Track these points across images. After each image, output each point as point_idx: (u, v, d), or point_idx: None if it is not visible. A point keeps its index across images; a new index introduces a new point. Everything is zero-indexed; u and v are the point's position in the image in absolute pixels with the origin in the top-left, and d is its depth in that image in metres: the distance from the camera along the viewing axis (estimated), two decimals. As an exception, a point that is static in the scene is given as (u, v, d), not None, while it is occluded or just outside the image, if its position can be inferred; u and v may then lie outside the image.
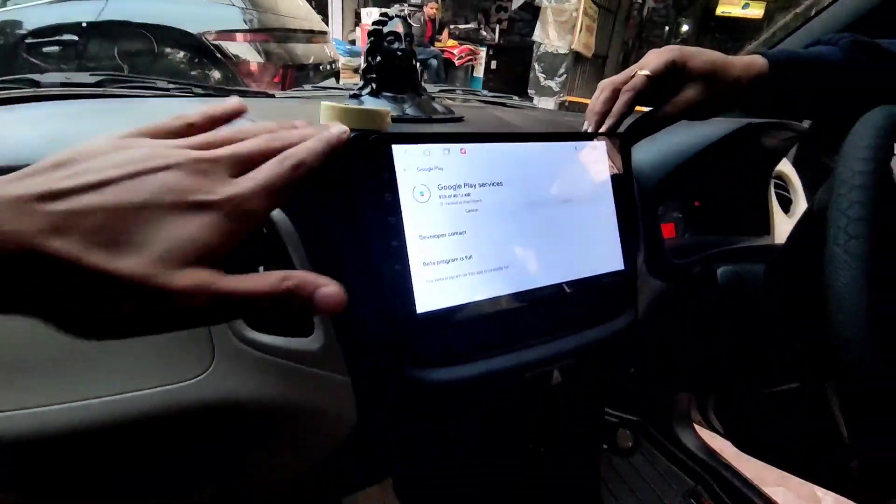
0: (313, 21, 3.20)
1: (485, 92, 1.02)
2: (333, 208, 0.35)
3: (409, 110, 0.56)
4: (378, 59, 0.56)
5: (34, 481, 0.30)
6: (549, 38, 5.56)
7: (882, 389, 0.38)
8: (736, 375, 1.07)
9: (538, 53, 5.91)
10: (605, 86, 0.47)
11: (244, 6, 2.28)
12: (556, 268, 0.41)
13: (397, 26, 0.55)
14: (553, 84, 5.81)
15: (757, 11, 8.09)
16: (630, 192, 0.51)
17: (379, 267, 0.33)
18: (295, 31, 2.71)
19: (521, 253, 0.39)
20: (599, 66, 7.11)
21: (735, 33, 8.21)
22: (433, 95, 0.63)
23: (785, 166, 0.80)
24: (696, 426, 1.20)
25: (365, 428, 0.36)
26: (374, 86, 0.57)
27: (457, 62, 6.69)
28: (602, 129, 0.46)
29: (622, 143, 0.48)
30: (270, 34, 2.43)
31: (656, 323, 0.59)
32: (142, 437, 0.31)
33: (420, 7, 6.48)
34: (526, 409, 0.45)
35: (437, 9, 6.48)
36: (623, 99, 0.44)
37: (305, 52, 2.73)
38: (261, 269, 0.35)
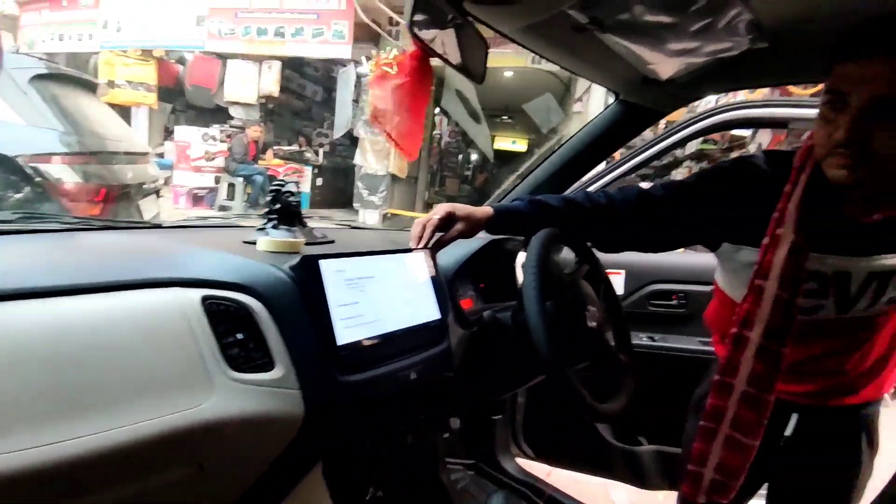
0: (134, 142, 3.21)
1: (335, 220, 1.38)
2: (293, 296, 0.64)
3: (301, 236, 0.87)
4: (278, 206, 0.87)
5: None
6: (368, 162, 6.45)
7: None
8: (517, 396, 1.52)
9: (360, 174, 6.73)
10: (418, 223, 0.87)
11: (63, 130, 2.27)
12: (406, 317, 0.76)
13: (292, 188, 0.87)
14: (375, 199, 6.62)
15: (522, 146, 10.95)
16: (438, 277, 0.90)
17: (319, 322, 0.62)
18: (115, 152, 2.71)
19: (387, 311, 0.73)
20: (413, 184, 8.40)
21: (507, 160, 10.89)
22: (311, 227, 0.95)
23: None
24: (515, 456, 1.58)
25: (308, 423, 0.61)
26: (275, 223, 0.87)
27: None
28: (419, 246, 0.85)
29: (431, 253, 0.88)
30: (90, 156, 2.42)
31: (463, 356, 0.97)
32: (174, 446, 0.51)
33: (242, 129, 6.80)
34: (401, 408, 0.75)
35: (259, 131, 6.89)
36: (427, 231, 0.85)
37: (126, 172, 2.73)
38: (238, 336, 0.61)
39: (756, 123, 1.47)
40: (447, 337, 0.85)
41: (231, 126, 7.00)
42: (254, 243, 0.80)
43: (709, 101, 2.18)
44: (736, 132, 5.39)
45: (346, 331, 0.66)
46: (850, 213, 0.73)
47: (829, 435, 0.87)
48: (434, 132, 8.71)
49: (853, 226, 0.73)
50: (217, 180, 6.80)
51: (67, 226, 0.86)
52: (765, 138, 4.66)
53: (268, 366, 0.61)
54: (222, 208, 6.77)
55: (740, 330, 0.80)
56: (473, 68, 0.74)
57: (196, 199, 6.70)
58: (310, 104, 8.74)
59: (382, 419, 0.74)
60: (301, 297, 0.64)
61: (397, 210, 7.23)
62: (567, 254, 1.10)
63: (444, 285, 0.94)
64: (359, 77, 6.24)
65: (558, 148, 1.26)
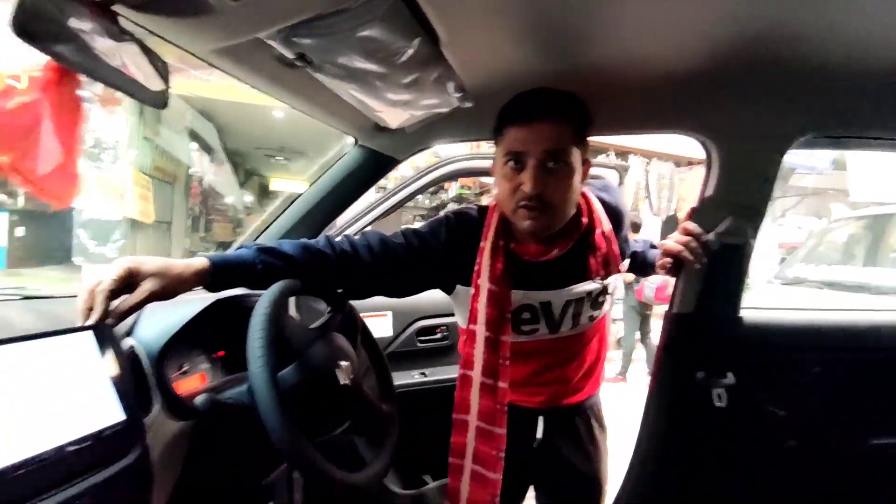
0: None
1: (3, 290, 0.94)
2: None
3: None
4: None
5: None
6: (92, 203, 5.12)
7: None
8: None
9: (81, 220, 5.27)
10: (84, 290, 0.63)
11: None
12: (60, 431, 0.53)
13: None
14: (107, 250, 5.26)
15: (302, 185, 10.53)
16: (130, 361, 0.67)
17: None
18: None
19: (22, 428, 0.49)
20: (165, 230, 7.05)
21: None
22: None
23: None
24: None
25: None
26: None
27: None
28: (89, 322, 0.61)
29: (106, 331, 0.64)
30: None
31: (189, 455, 0.75)
32: None
33: None
34: None
35: None
36: (98, 301, 0.62)
37: None
38: None
39: (481, 172, 1.72)
40: (139, 443, 0.62)
41: None
42: None
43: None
44: (484, 179, 6.44)
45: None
46: (531, 254, 0.86)
47: (569, 428, 1.02)
48: (192, 170, 7.56)
49: (539, 264, 0.87)
50: None
51: None
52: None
53: None
54: None
55: (464, 370, 0.88)
56: (144, 92, 0.57)
57: None
58: (-3, 129, 6.51)
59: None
60: None
61: (144, 262, 5.92)
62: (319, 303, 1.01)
63: (146, 369, 0.71)
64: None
65: (299, 195, 1.17)
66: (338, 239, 0.87)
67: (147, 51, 0.56)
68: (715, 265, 0.93)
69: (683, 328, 0.99)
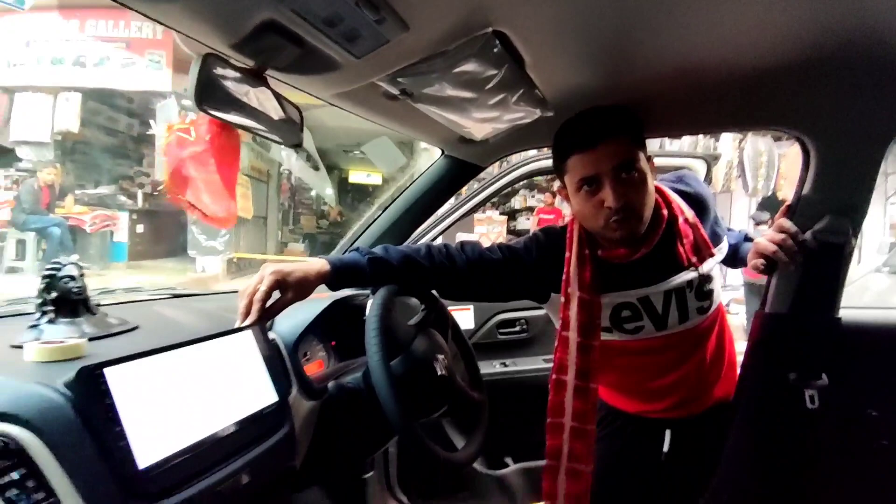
0: None
1: (145, 288, 1.18)
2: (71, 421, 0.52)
3: (88, 329, 0.72)
4: (53, 294, 0.71)
5: None
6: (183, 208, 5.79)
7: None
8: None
9: (194, 217, 5.99)
10: (243, 296, 0.78)
11: None
12: (232, 411, 0.68)
13: (72, 270, 0.72)
14: (216, 244, 5.94)
15: (377, 178, 11.08)
16: (274, 352, 0.83)
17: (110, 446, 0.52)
18: None
19: (206, 409, 0.64)
20: (262, 224, 7.79)
21: (363, 193, 10.91)
22: (104, 312, 0.79)
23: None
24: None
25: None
26: (51, 316, 0.70)
27: (88, 229, 5.90)
28: (247, 323, 0.77)
29: (262, 328, 0.80)
30: None
31: (316, 429, 0.90)
32: None
33: (32, 172, 5.53)
34: None
35: (55, 174, 5.68)
36: (255, 307, 0.76)
37: None
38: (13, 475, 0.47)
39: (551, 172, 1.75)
40: (288, 420, 0.77)
41: (18, 170, 5.66)
42: (19, 348, 0.63)
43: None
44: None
45: (150, 449, 0.55)
46: (621, 256, 0.89)
47: (698, 441, 1.02)
48: (283, 168, 8.25)
49: (630, 264, 0.89)
50: (2, 237, 5.40)
51: None
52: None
53: (53, 506, 0.48)
54: (11, 270, 5.38)
55: (557, 375, 0.93)
56: (287, 135, 0.71)
57: (-26, 263, 5.19)
58: (124, 139, 7.52)
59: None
60: (83, 420, 0.52)
61: (245, 254, 6.60)
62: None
63: (285, 357, 0.87)
64: (184, 109, 5.62)
65: (393, 201, 1.30)
66: (437, 246, 0.96)
67: (286, 101, 0.70)
68: (812, 265, 0.90)
69: (776, 328, 0.97)
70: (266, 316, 0.79)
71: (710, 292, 0.94)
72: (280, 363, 0.84)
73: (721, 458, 1.06)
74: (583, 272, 0.90)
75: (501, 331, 1.69)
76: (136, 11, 0.52)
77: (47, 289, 0.71)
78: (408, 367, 0.90)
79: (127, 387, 0.56)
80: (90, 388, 0.53)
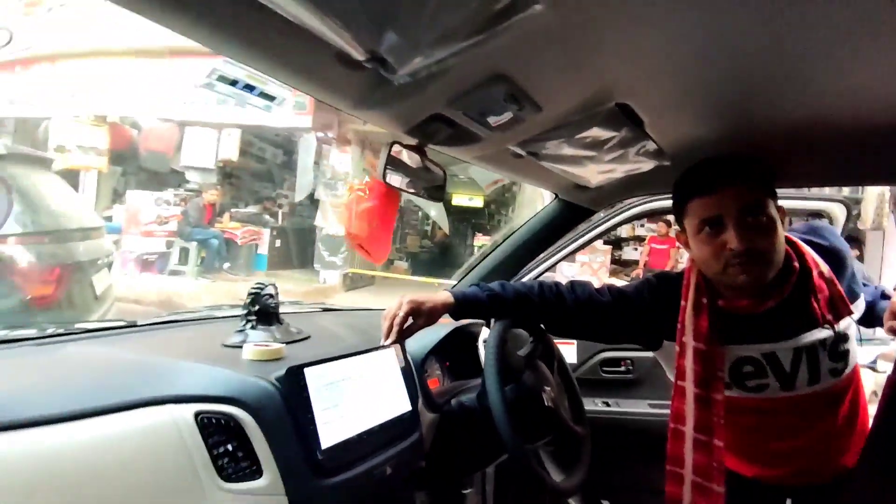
0: (88, 218, 3.16)
1: (310, 304, 1.44)
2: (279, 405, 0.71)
3: (279, 335, 0.94)
4: (257, 307, 0.94)
5: None
6: (329, 223, 6.53)
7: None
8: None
9: (321, 235, 6.77)
10: (386, 318, 0.94)
11: (18, 209, 2.24)
12: (381, 413, 0.85)
13: (271, 290, 0.96)
14: (336, 260, 6.64)
15: (478, 202, 11.46)
16: (408, 368, 0.99)
17: (304, 428, 0.70)
18: (69, 229, 2.68)
19: (364, 408, 0.82)
20: (373, 242, 8.51)
21: (467, 214, 11.31)
22: (287, 323, 1.02)
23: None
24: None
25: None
26: (253, 323, 0.94)
27: (239, 241, 6.98)
28: (389, 342, 0.94)
29: (401, 346, 0.97)
30: (45, 235, 2.38)
31: (434, 439, 1.04)
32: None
33: (199, 192, 6.75)
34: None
35: (217, 194, 6.87)
36: (395, 329, 0.91)
37: (79, 248, 2.69)
38: (228, 446, 0.67)
39: (661, 212, 1.74)
40: (418, 426, 0.92)
41: (186, 190, 6.94)
42: (235, 347, 0.86)
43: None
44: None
45: (329, 434, 0.73)
46: (745, 307, 0.87)
47: None
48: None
49: (757, 315, 0.87)
50: (168, 245, 6.62)
51: (48, 335, 0.89)
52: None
53: (255, 474, 0.67)
54: (173, 273, 6.55)
55: (675, 424, 0.92)
56: (434, 194, 0.88)
57: (145, 265, 6.46)
58: (270, 166, 8.83)
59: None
60: (286, 406, 0.71)
61: (358, 269, 7.25)
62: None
63: (415, 373, 1.03)
64: (319, 142, 6.46)
65: (507, 238, 1.42)
66: (549, 284, 1.03)
67: (435, 165, 0.86)
68: None
69: None
70: (402, 337, 0.95)
71: (846, 353, 0.88)
72: (411, 378, 0.99)
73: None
74: (699, 321, 0.88)
75: (605, 369, 1.69)
76: (338, 109, 0.72)
77: (252, 302, 0.94)
78: (519, 395, 1.00)
79: (317, 384, 0.75)
80: (294, 383, 0.72)
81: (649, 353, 1.66)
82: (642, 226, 7.94)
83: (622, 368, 1.69)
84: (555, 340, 1.19)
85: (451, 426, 1.06)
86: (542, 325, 1.10)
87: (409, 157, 0.81)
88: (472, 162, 0.97)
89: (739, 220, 0.80)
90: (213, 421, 0.67)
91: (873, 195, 5.35)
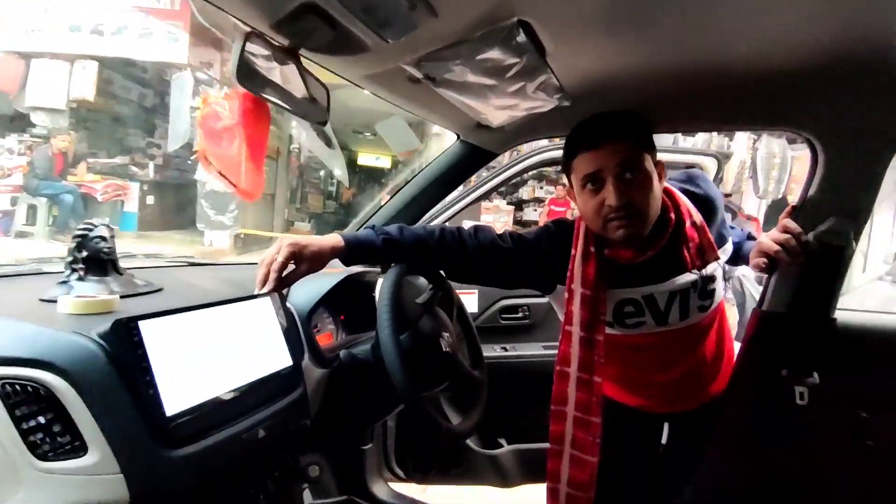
0: None
1: (165, 256, 1.22)
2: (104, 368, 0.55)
3: (116, 288, 0.76)
4: (84, 253, 0.75)
5: None
6: (213, 177, 5.83)
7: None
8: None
9: (203, 191, 6.04)
10: (262, 264, 0.82)
11: None
12: (251, 370, 0.72)
13: (104, 231, 0.76)
14: (224, 219, 6.00)
15: (386, 162, 11.10)
16: (290, 319, 0.87)
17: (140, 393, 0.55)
18: None
19: (228, 366, 0.68)
20: (270, 201, 7.83)
21: (372, 176, 10.92)
22: (130, 273, 0.83)
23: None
24: (388, 481, 1.59)
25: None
26: (81, 274, 0.74)
27: (100, 198, 5.97)
28: (265, 290, 0.81)
29: (280, 297, 0.84)
30: None
31: (324, 396, 0.95)
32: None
33: (46, 139, 5.58)
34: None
35: (69, 141, 5.72)
36: (273, 276, 0.80)
37: None
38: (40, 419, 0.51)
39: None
40: (300, 383, 0.82)
41: (32, 136, 5.70)
42: (53, 301, 0.67)
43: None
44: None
45: (177, 398, 0.60)
46: (627, 258, 0.92)
47: (696, 434, 1.05)
48: (292, 146, 8.26)
49: (637, 265, 0.92)
50: (13, 202, 5.47)
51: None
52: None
53: (80, 450, 0.52)
54: (20, 234, 5.46)
55: (561, 367, 0.96)
56: (313, 112, 0.74)
57: (-15, 225, 5.27)
58: (137, 110, 7.54)
59: (227, 489, 0.68)
60: (116, 368, 0.56)
61: (252, 230, 6.66)
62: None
63: (299, 326, 0.91)
64: (198, 83, 5.62)
65: (407, 183, 1.33)
66: (451, 229, 0.98)
67: (315, 80, 0.72)
68: (812, 265, 0.93)
69: (772, 326, 1.01)
70: (281, 285, 0.83)
71: (713, 292, 0.97)
72: (294, 331, 0.88)
73: (710, 449, 1.10)
74: (586, 269, 0.93)
75: (504, 316, 1.73)
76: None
77: (78, 247, 0.75)
78: (415, 343, 0.94)
79: (158, 340, 0.60)
80: (124, 339, 0.57)
81: (544, 300, 1.73)
82: (542, 188, 8.36)
83: (519, 314, 1.73)
84: (456, 290, 1.16)
85: (344, 381, 0.98)
86: (441, 272, 1.05)
87: (279, 63, 0.66)
88: (363, 85, 0.84)
89: (618, 176, 0.83)
90: (18, 388, 0.51)
91: (735, 163, 6.17)
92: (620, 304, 0.95)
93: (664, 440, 1.08)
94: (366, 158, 11.74)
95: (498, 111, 1.05)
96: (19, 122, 5.87)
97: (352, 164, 11.86)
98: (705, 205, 0.97)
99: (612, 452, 1.04)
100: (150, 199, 6.84)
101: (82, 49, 5.59)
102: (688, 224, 0.92)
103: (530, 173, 7.55)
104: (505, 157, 1.54)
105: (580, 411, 0.95)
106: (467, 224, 1.18)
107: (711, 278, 0.96)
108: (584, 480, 0.95)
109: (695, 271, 0.93)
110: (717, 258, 0.96)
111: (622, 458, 1.09)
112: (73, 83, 5.62)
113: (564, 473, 0.97)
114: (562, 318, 1.02)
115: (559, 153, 1.55)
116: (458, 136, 1.26)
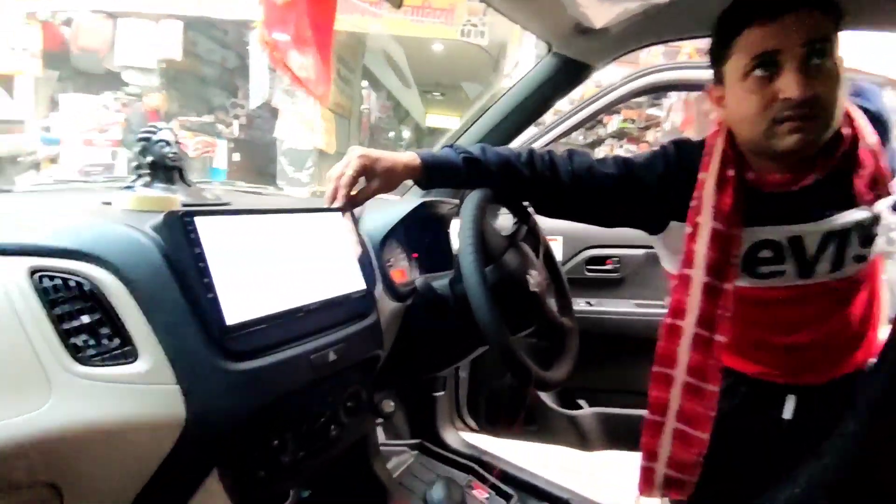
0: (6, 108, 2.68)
1: (241, 184, 1.19)
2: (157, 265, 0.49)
3: (183, 198, 0.70)
4: (149, 158, 0.69)
5: None
6: (291, 135, 6.01)
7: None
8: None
9: (283, 149, 6.25)
10: (330, 179, 0.73)
11: None
12: (321, 289, 0.64)
13: (167, 135, 0.70)
14: (302, 176, 6.20)
15: (455, 122, 10.88)
16: (362, 241, 0.78)
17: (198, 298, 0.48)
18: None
19: (296, 281, 0.61)
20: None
21: (442, 135, 10.80)
22: (200, 186, 0.78)
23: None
24: (459, 430, 1.53)
25: (193, 426, 0.47)
26: (147, 179, 0.69)
27: (191, 153, 6.39)
28: (334, 205, 0.72)
29: (352, 217, 0.75)
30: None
31: (398, 332, 0.86)
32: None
33: (139, 97, 6.02)
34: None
35: (161, 99, 6.13)
36: (342, 192, 0.72)
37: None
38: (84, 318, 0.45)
39: (671, 87, 1.49)
40: (375, 310, 0.73)
41: (127, 94, 6.16)
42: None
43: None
44: (650, 111, 5.64)
45: (239, 307, 0.52)
46: (777, 184, 0.71)
47: (826, 412, 0.80)
48: (363, 107, 8.28)
49: (789, 194, 0.71)
50: (114, 155, 5.99)
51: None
52: (678, 117, 4.89)
53: (129, 356, 0.46)
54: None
55: (673, 320, 0.77)
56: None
57: (90, 178, 5.87)
58: (220, 71, 7.89)
59: (293, 412, 0.61)
60: (170, 267, 0.49)
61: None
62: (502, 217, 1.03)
63: (371, 251, 0.82)
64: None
65: (492, 105, 1.17)
66: (541, 152, 0.83)
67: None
68: None
69: None
70: (352, 203, 0.74)
71: (874, 238, 0.75)
72: (367, 257, 0.79)
73: (844, 431, 0.87)
74: (721, 198, 0.72)
75: (590, 267, 1.55)
76: None
77: (142, 152, 0.69)
78: (500, 278, 0.82)
79: (217, 241, 0.52)
80: (180, 235, 0.50)
81: (638, 252, 1.54)
82: (622, 147, 7.72)
83: (609, 267, 1.55)
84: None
85: (419, 318, 0.88)
86: (527, 204, 0.90)
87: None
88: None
89: (803, 59, 0.63)
90: (59, 283, 0.45)
91: None
92: (755, 248, 0.75)
93: (788, 416, 0.87)
94: (434, 118, 11.58)
95: (604, 4, 0.85)
96: (112, 81, 6.35)
97: (420, 126, 11.77)
98: (879, 124, 0.74)
99: (720, 427, 0.83)
100: (237, 157, 7.21)
101: (165, 8, 5.84)
102: (862, 145, 0.70)
103: (608, 132, 6.94)
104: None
105: (694, 376, 0.76)
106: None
107: (878, 219, 0.73)
108: (689, 460, 0.77)
109: (864, 207, 0.72)
110: (890, 193, 0.73)
111: (732, 435, 0.84)
112: (160, 43, 5.94)
113: (664, 450, 0.79)
114: (668, 266, 0.85)
115: (669, 75, 1.32)
116: (550, 48, 1.07)
